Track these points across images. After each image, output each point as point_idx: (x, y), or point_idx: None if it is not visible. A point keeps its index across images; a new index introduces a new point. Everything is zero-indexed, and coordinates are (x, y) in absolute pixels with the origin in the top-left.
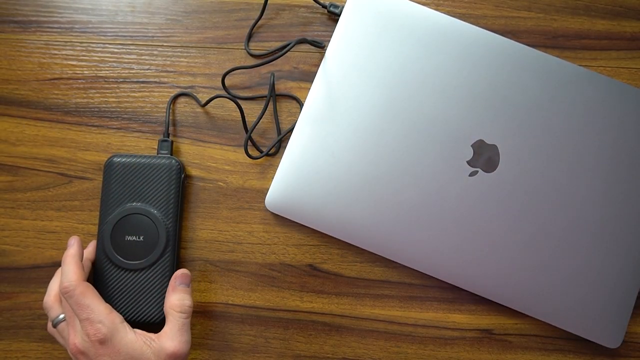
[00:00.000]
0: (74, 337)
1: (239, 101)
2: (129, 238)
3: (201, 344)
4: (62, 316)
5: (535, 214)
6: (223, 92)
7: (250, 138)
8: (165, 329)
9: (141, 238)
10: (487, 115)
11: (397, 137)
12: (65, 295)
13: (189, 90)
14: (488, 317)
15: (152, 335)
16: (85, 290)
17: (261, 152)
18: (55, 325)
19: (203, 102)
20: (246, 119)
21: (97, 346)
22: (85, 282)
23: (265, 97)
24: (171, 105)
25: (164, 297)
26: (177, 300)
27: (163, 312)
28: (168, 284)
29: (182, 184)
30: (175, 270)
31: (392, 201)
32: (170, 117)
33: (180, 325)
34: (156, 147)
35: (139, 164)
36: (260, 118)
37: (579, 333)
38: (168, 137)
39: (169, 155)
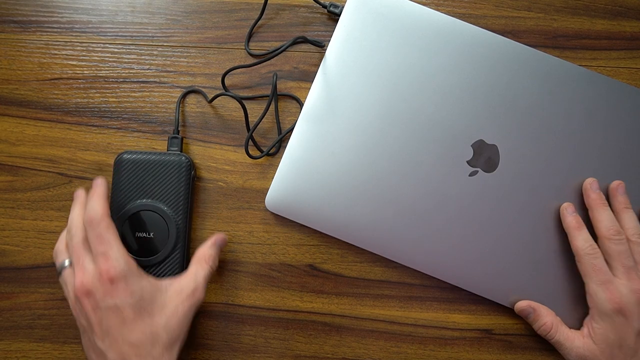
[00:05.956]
0: (82, 276)
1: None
2: (139, 235)
3: (201, 344)
4: (67, 262)
5: (535, 214)
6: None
7: (251, 138)
8: (188, 272)
9: (151, 235)
10: (487, 115)
11: (397, 137)
12: (89, 225)
13: (192, 88)
14: (488, 317)
15: (167, 280)
16: (110, 225)
17: (262, 151)
18: (60, 273)
19: (209, 99)
20: (252, 122)
21: (107, 285)
22: (111, 220)
23: (266, 96)
24: (180, 103)
25: None
26: (210, 254)
27: None
28: None
29: (192, 180)
30: (185, 267)
31: (392, 201)
32: (172, 118)
33: (205, 275)
34: (157, 146)
35: (149, 161)
36: (263, 117)
37: None
38: (178, 134)
39: (178, 152)
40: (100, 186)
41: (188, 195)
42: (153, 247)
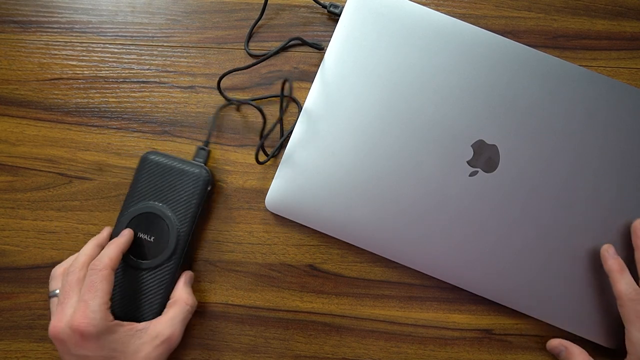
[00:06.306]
0: (58, 321)
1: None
2: (141, 236)
3: (201, 344)
4: (57, 291)
5: (535, 214)
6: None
7: (262, 145)
8: (166, 316)
9: (152, 239)
10: (487, 115)
11: (397, 137)
12: (92, 268)
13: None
14: (488, 317)
15: (144, 324)
16: (108, 277)
17: (267, 155)
18: (50, 297)
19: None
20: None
21: (78, 337)
22: (114, 271)
23: (267, 97)
24: (218, 114)
25: (155, 303)
26: (187, 294)
27: (151, 317)
28: (164, 290)
29: (206, 195)
30: (176, 279)
31: (392, 201)
32: (172, 118)
33: (183, 317)
34: (157, 146)
35: (170, 167)
36: (274, 128)
37: (578, 333)
38: (207, 146)
39: (201, 164)
40: (124, 237)
41: (198, 209)
42: (150, 251)
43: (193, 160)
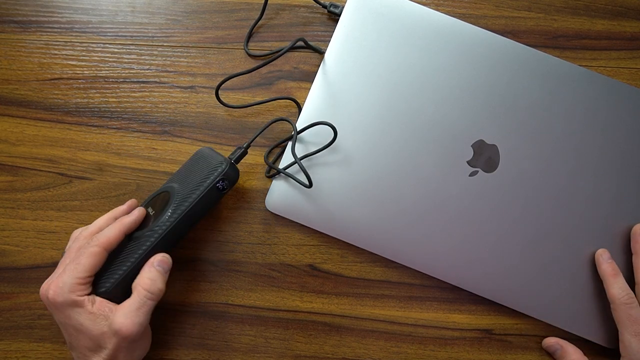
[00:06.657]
0: (45, 283)
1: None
2: (149, 210)
3: (201, 344)
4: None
5: (535, 214)
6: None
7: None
8: (125, 303)
9: (152, 213)
10: (487, 115)
11: (397, 137)
12: (88, 241)
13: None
14: (488, 317)
15: (112, 307)
16: (96, 255)
17: (275, 169)
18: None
19: (299, 128)
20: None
21: (51, 303)
22: (107, 251)
23: (269, 101)
24: (269, 126)
25: (115, 274)
26: (148, 278)
27: (106, 287)
28: (129, 265)
29: (213, 187)
30: (145, 259)
31: (392, 201)
32: (173, 118)
33: (140, 305)
34: (157, 147)
35: (202, 158)
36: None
37: (578, 333)
38: (245, 148)
39: (227, 161)
40: (132, 216)
41: (199, 196)
42: (144, 224)
43: (229, 157)
